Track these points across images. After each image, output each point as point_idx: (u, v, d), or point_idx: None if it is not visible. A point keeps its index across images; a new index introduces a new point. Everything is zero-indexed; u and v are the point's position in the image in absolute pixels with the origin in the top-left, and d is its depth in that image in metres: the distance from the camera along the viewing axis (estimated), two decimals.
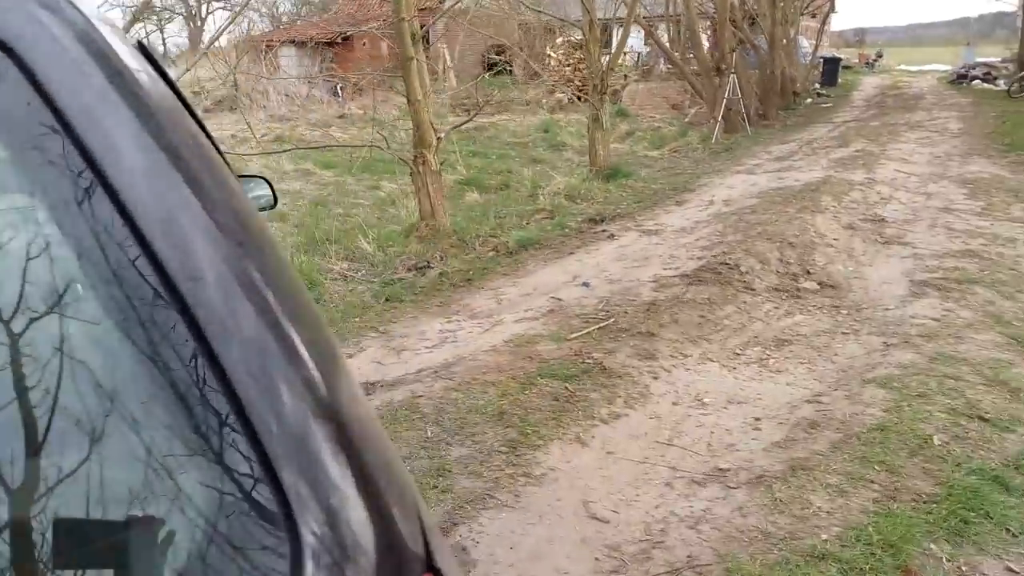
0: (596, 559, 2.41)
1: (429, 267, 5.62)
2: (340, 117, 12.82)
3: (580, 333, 4.22)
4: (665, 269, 5.42)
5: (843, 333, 4.21)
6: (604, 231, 6.75)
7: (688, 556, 2.40)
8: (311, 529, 0.53)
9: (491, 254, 5.98)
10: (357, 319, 4.66)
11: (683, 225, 6.77)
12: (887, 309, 4.53)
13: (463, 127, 8.95)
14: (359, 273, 5.56)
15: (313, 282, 5.17)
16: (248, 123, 7.64)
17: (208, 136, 0.74)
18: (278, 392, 0.55)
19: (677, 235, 6.43)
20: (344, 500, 0.55)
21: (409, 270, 5.64)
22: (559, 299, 4.87)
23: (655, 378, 3.69)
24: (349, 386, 0.62)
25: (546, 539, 2.50)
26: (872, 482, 2.74)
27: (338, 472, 0.55)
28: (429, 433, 3.14)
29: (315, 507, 0.53)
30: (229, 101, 13.77)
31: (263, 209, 2.89)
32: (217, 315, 0.55)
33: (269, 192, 2.88)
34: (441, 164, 6.76)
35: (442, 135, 6.49)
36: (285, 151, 8.24)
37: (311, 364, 0.57)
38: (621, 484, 2.82)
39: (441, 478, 2.81)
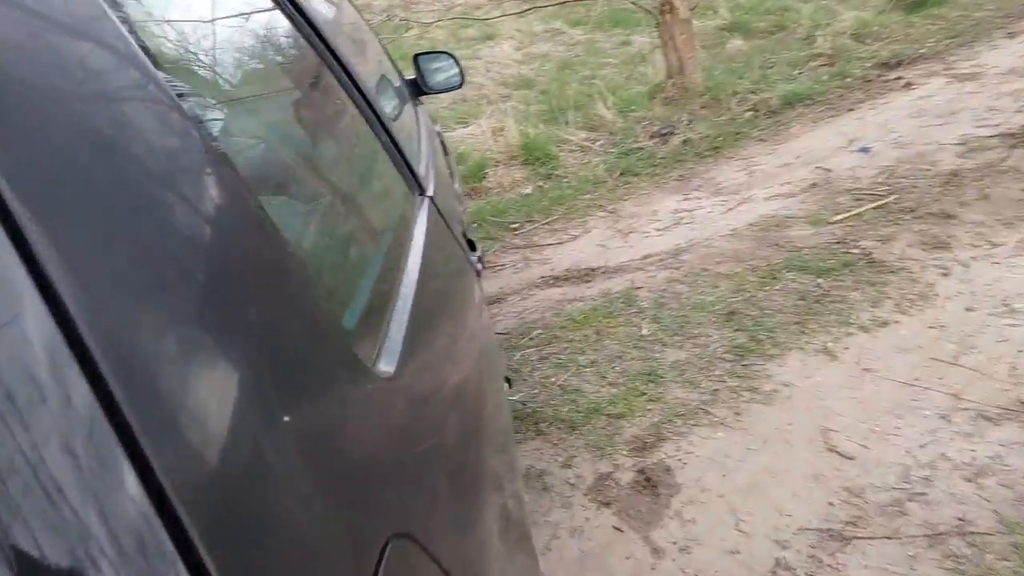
0: (829, 504, 1.98)
1: (672, 133, 5.05)
2: None
3: (848, 214, 3.47)
4: (979, 127, 4.21)
5: None
6: (899, 79, 5.44)
7: (959, 518, 1.86)
8: None
9: (748, 115, 5.18)
10: (588, 195, 4.37)
11: (1014, 65, 5.18)
12: None
13: None
14: (596, 143, 5.20)
15: (548, 155, 4.94)
16: None
17: None
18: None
19: (1003, 79, 4.94)
20: None
21: (651, 137, 5.12)
22: (827, 170, 4.05)
23: (944, 274, 2.90)
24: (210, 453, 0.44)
25: (768, 470, 2.12)
26: None
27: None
28: (644, 331, 2.84)
29: None
30: None
31: (451, 88, 2.67)
32: None
33: (456, 69, 2.64)
34: (695, 9, 5.91)
35: None
36: (525, 12, 7.87)
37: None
38: (877, 411, 2.27)
39: (651, 384, 2.52)
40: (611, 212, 4.09)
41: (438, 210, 1.52)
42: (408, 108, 2.43)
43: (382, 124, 1.44)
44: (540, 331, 2.96)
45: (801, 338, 2.64)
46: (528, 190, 4.60)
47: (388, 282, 1.01)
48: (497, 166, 4.85)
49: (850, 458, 2.12)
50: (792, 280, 3.01)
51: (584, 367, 2.67)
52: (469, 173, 4.74)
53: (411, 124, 2.24)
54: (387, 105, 2.09)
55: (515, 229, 4.08)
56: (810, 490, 2.03)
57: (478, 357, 1.28)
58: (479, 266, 1.67)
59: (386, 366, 0.79)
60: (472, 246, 1.74)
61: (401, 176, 1.44)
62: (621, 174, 4.60)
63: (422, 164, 1.74)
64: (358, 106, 1.36)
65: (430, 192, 1.52)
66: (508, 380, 1.69)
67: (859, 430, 2.21)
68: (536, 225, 4.09)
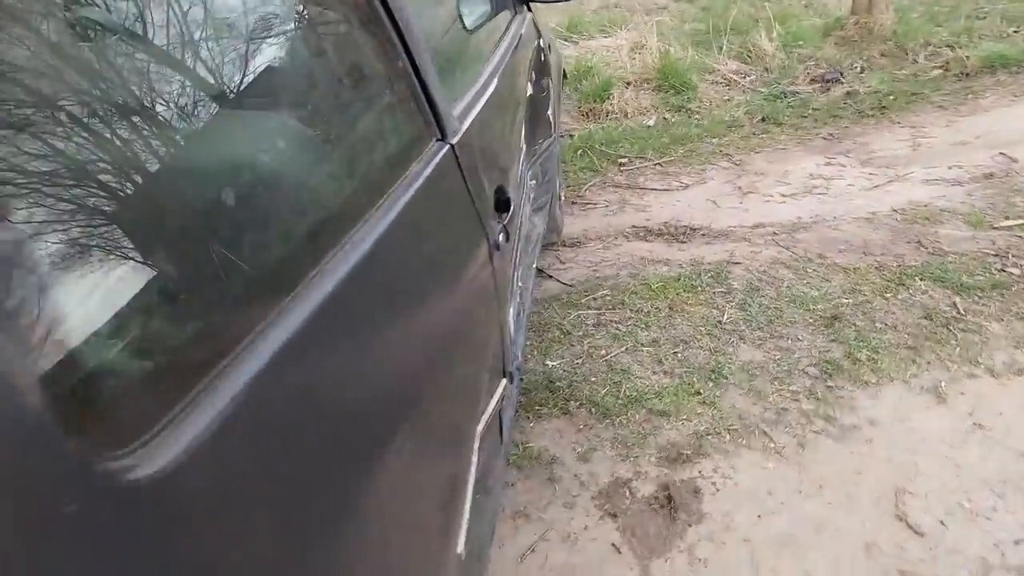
0: None
1: (837, 81, 4.35)
2: None
3: (1019, 221, 2.84)
4: None
5: None
6: None
7: None
8: None
9: (936, 72, 4.36)
10: (716, 139, 3.87)
11: None
12: None
13: None
14: (746, 78, 4.58)
15: (686, 83, 4.42)
16: None
17: None
18: None
19: None
20: None
21: (811, 82, 4.45)
22: (1011, 159, 3.33)
23: None
24: None
25: (813, 523, 1.80)
26: None
27: None
28: (724, 317, 2.48)
29: None
30: None
31: None
32: None
33: None
34: None
35: None
36: None
37: None
38: (974, 482, 1.86)
39: (711, 383, 2.20)
40: (736, 164, 3.60)
41: (458, 163, 1.23)
42: (500, 19, 2.11)
43: (406, 48, 1.15)
44: (608, 292, 2.67)
45: (909, 368, 2.20)
46: (651, 121, 4.14)
47: (292, 281, 0.68)
48: (626, 87, 4.40)
49: (920, 534, 1.75)
50: (923, 291, 2.51)
51: (642, 345, 2.38)
52: (592, 91, 4.33)
53: (489, 40, 1.93)
54: (469, 14, 1.78)
55: (622, 164, 3.69)
56: (857, 561, 1.70)
57: (420, 397, 0.97)
58: (500, 236, 1.36)
59: (146, 455, 0.44)
60: (505, 206, 1.43)
61: (419, 117, 1.16)
62: (762, 120, 4.03)
63: (465, 99, 1.44)
64: (378, 23, 1.07)
65: (455, 139, 1.23)
66: (511, 375, 1.43)
67: (943, 501, 1.82)
68: (647, 163, 3.69)
